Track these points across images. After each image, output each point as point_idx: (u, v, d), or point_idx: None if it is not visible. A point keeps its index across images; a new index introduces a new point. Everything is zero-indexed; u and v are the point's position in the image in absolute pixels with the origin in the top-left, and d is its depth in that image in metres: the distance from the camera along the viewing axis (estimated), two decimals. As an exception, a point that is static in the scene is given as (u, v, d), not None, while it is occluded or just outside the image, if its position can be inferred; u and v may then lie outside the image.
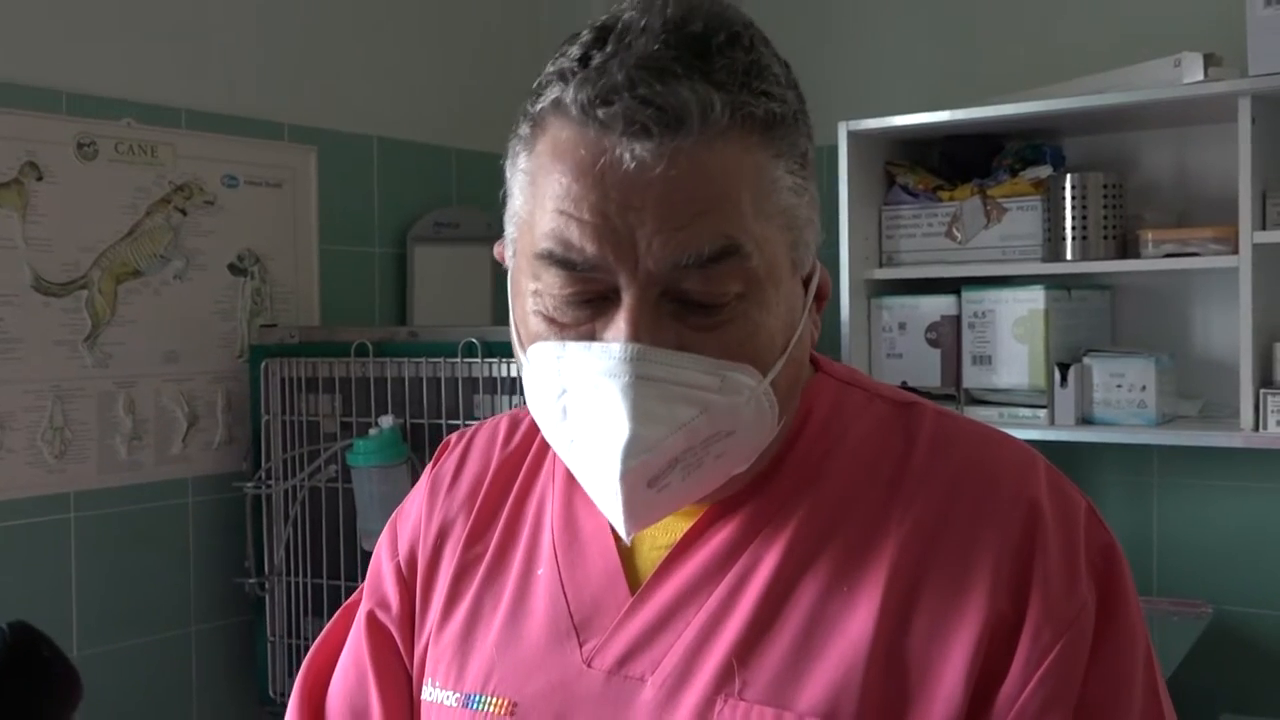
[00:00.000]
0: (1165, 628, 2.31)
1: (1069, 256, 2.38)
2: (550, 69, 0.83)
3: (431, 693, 0.95)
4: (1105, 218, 2.37)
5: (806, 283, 0.88)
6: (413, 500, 1.07)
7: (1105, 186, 2.38)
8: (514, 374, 2.16)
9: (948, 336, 2.50)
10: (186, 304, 2.41)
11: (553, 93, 0.81)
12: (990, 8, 2.70)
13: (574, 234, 0.79)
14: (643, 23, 0.80)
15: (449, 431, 2.21)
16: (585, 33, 0.82)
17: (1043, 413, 2.38)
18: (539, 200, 0.82)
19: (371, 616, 1.03)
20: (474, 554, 0.98)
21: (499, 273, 3.30)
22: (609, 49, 0.80)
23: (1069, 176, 2.39)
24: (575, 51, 0.82)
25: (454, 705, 0.93)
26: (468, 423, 2.20)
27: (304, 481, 2.36)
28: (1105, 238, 2.37)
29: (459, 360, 2.21)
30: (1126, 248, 2.38)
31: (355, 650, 1.04)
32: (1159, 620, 2.37)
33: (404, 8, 2.86)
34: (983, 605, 0.81)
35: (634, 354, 0.79)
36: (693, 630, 0.86)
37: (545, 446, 1.01)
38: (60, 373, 2.23)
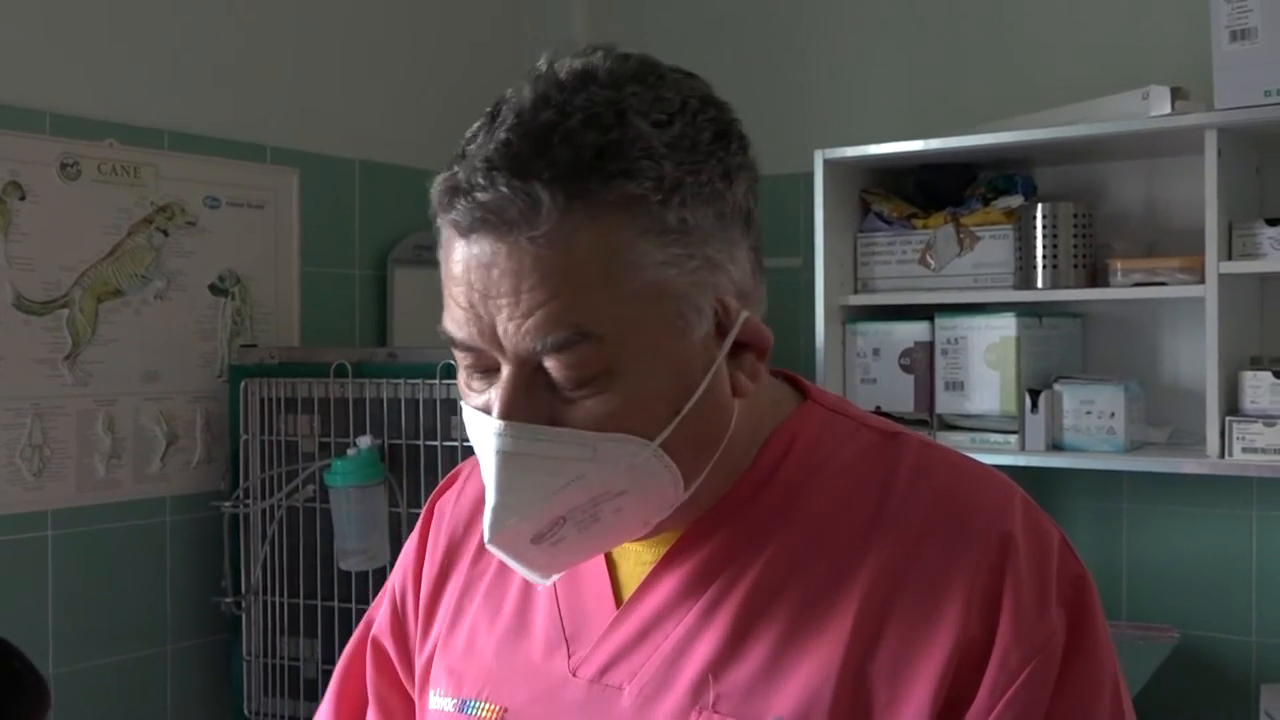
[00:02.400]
0: (1132, 652, 2.34)
1: (1040, 285, 2.41)
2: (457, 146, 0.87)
3: (436, 701, 1.00)
4: (1075, 247, 2.41)
5: (723, 335, 0.88)
6: (414, 531, 1.13)
7: (1075, 216, 2.41)
8: (492, 396, 2.18)
9: (921, 362, 2.53)
10: (167, 324, 2.43)
11: (439, 179, 0.85)
12: (964, 41, 2.75)
13: (456, 318, 0.85)
14: (514, 105, 0.83)
15: (427, 453, 2.24)
16: (489, 108, 0.86)
17: (1014, 438, 2.41)
18: (444, 280, 0.87)
19: (375, 641, 1.12)
20: (478, 571, 1.04)
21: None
22: (479, 139, 0.83)
23: (1040, 206, 2.42)
24: (467, 134, 0.86)
25: (451, 710, 0.98)
26: (445, 444, 2.22)
27: (282, 501, 2.37)
28: (1075, 266, 2.40)
29: (438, 382, 2.22)
30: (1096, 276, 2.42)
31: (361, 671, 1.14)
32: (1126, 644, 2.39)
33: (386, 32, 2.89)
34: (953, 629, 0.83)
35: (502, 429, 0.84)
36: (670, 643, 0.90)
37: None
38: (40, 391, 2.24)
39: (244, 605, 2.41)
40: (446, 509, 1.10)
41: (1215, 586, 2.49)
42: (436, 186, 0.85)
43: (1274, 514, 2.44)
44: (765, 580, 0.89)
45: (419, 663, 1.06)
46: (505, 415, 0.84)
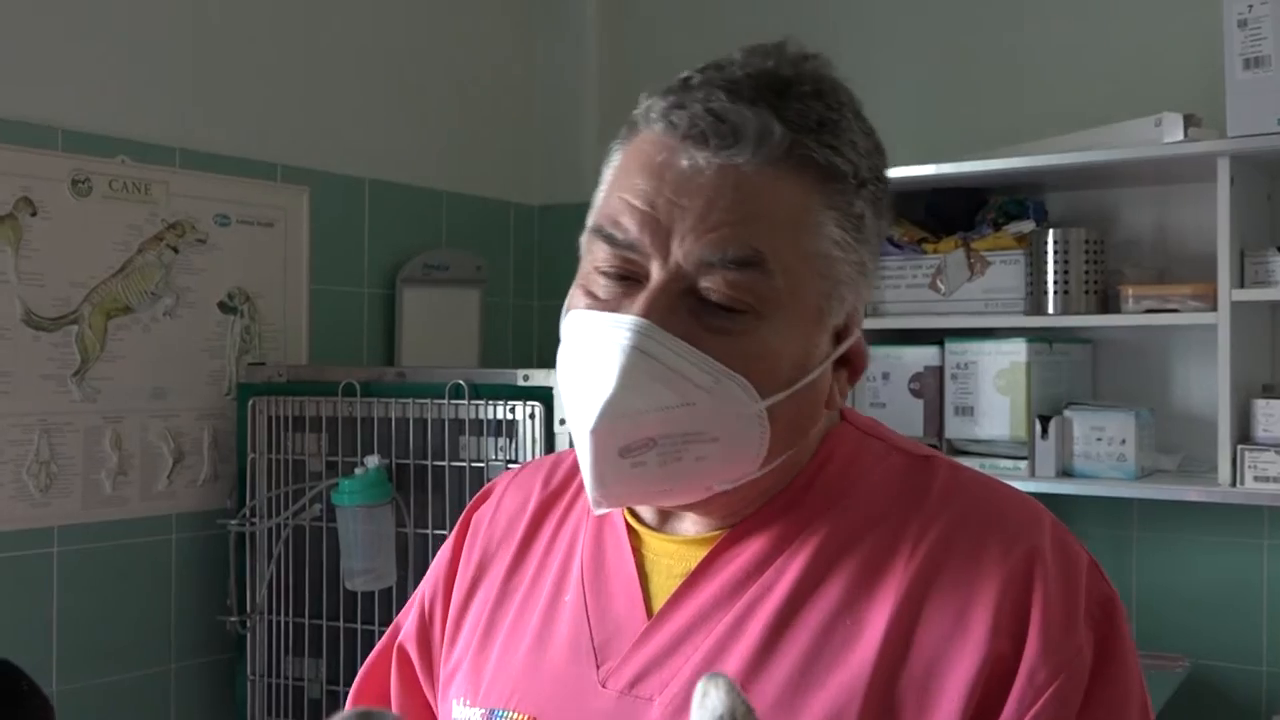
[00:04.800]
0: (1143, 681, 2.32)
1: (1050, 310, 2.40)
2: (657, 87, 0.92)
3: (460, 711, 1.00)
4: (1087, 273, 2.40)
5: (838, 340, 0.92)
6: (448, 541, 1.14)
7: (1087, 242, 2.41)
8: (499, 416, 2.17)
9: (930, 387, 2.52)
10: (176, 341, 2.43)
11: (646, 102, 0.91)
12: (977, 66, 2.75)
13: (623, 215, 0.88)
14: (744, 61, 0.89)
15: (435, 473, 2.24)
16: (696, 68, 0.92)
17: (1023, 464, 2.40)
18: (610, 190, 0.92)
19: (400, 648, 1.12)
20: (511, 585, 1.04)
21: (487, 315, 3.32)
22: (705, 74, 0.89)
23: (1051, 231, 2.42)
24: (681, 75, 0.91)
25: (478, 719, 0.98)
26: (453, 464, 2.22)
27: (288, 520, 2.37)
28: (1086, 292, 2.40)
29: (446, 402, 2.22)
30: (1107, 303, 2.41)
31: (383, 675, 1.14)
32: (1137, 673, 2.38)
33: (398, 51, 2.90)
34: (981, 644, 0.84)
35: (640, 326, 0.85)
36: (701, 654, 0.90)
37: (582, 488, 1.05)
38: (48, 407, 2.24)
39: (249, 624, 2.40)
40: (482, 523, 1.11)
41: (1226, 615, 2.47)
42: (651, 97, 0.90)
43: (1285, 543, 2.43)
44: (795, 594, 0.89)
45: (443, 672, 1.06)
46: (646, 315, 0.85)
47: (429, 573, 1.14)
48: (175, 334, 2.43)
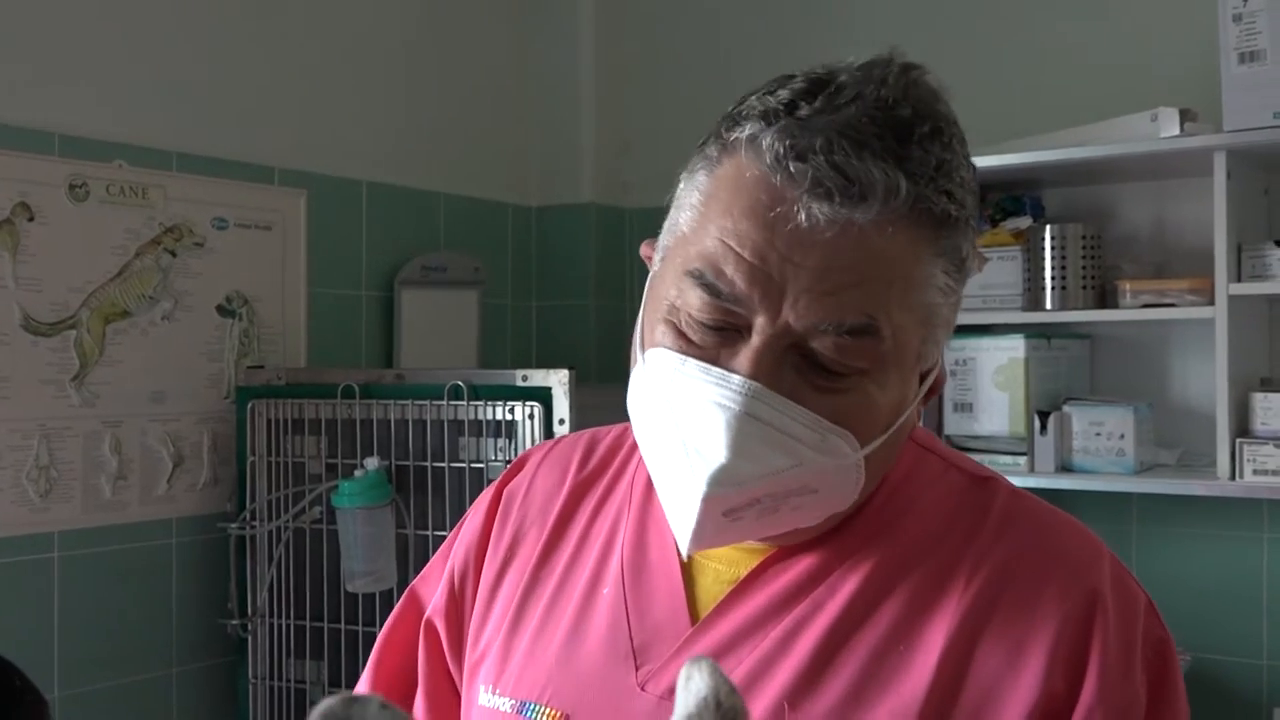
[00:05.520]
0: (1144, 675, 2.32)
1: (1048, 306, 2.41)
2: (754, 103, 0.85)
3: (488, 699, 0.97)
4: (1084, 268, 2.40)
5: (924, 375, 0.90)
6: (477, 511, 1.09)
7: (1084, 237, 2.41)
8: (499, 417, 2.17)
9: (929, 384, 2.52)
10: (174, 345, 2.43)
11: (751, 127, 0.84)
12: (973, 62, 2.75)
13: (730, 266, 0.82)
14: (857, 90, 0.83)
15: (434, 474, 2.24)
16: (798, 80, 0.85)
17: (1023, 460, 2.41)
18: (705, 222, 0.85)
19: (429, 623, 1.07)
20: (544, 572, 1.00)
21: (485, 316, 3.30)
22: (817, 104, 0.82)
23: (1048, 227, 2.42)
24: (784, 95, 0.84)
25: (508, 711, 0.95)
26: (453, 465, 2.22)
27: (289, 523, 2.37)
28: (1084, 288, 2.40)
29: (445, 403, 2.22)
30: (1105, 298, 2.41)
31: (413, 652, 1.08)
32: (1138, 668, 2.38)
33: (394, 54, 2.90)
34: (1036, 681, 0.83)
35: (749, 389, 0.82)
36: (746, 667, 0.88)
37: (621, 472, 1.03)
38: (47, 412, 2.24)
39: (250, 628, 2.40)
40: (515, 497, 1.06)
41: (1226, 609, 2.47)
42: (769, 135, 0.82)
43: (1285, 536, 2.43)
44: (850, 611, 0.88)
45: (472, 653, 1.02)
46: (755, 376, 0.82)
47: (458, 545, 1.08)
48: (174, 338, 2.43)
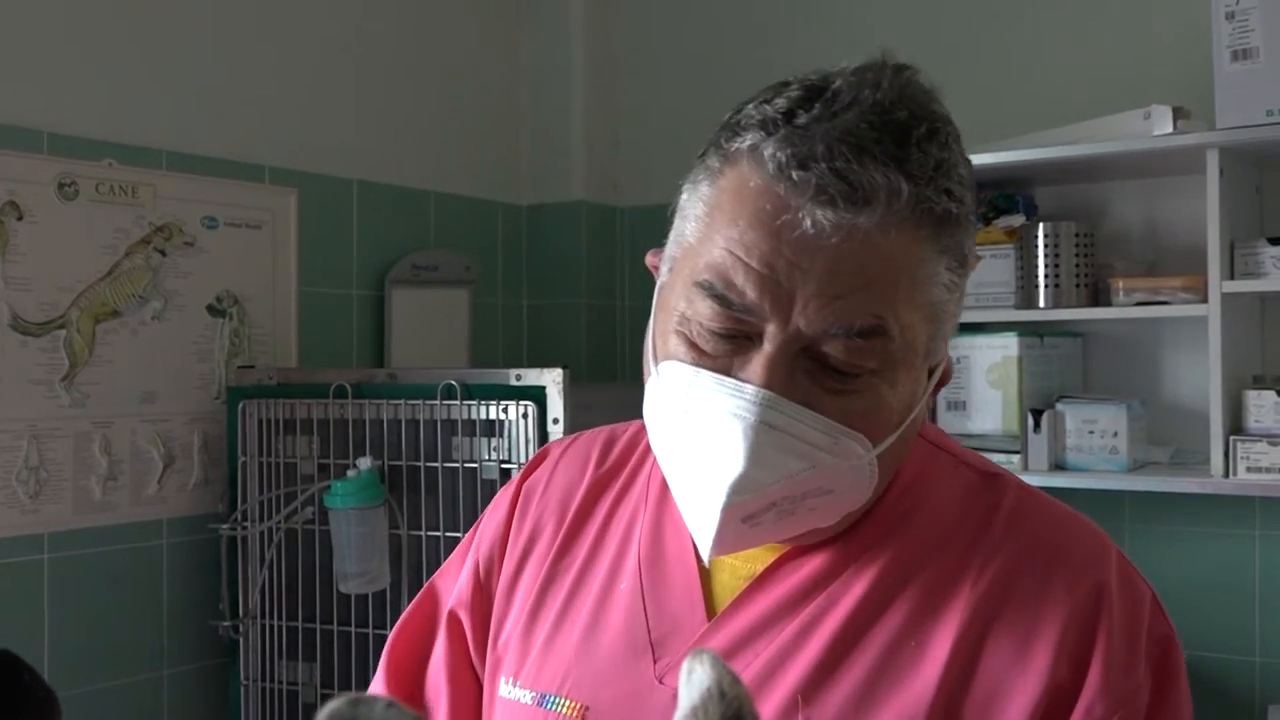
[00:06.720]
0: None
1: (1041, 304, 2.41)
2: (751, 112, 0.86)
3: (508, 690, 0.98)
4: (1077, 266, 2.41)
5: (932, 370, 0.91)
6: (500, 505, 1.10)
7: (1077, 235, 2.41)
8: (492, 416, 2.16)
9: (922, 382, 2.52)
10: (164, 345, 2.41)
11: (751, 138, 0.85)
12: (965, 60, 2.75)
13: (738, 276, 0.84)
14: (853, 95, 0.84)
15: (427, 474, 2.23)
16: (794, 88, 0.86)
17: (1016, 458, 2.41)
18: (711, 233, 0.86)
19: (453, 614, 1.07)
20: (562, 565, 1.02)
21: (476, 315, 3.30)
22: (815, 112, 0.83)
23: (1041, 225, 2.42)
24: (781, 104, 0.85)
25: (529, 703, 0.96)
26: (446, 465, 2.21)
27: (280, 523, 2.36)
28: (1077, 286, 2.40)
29: (438, 402, 2.21)
30: (1098, 296, 2.42)
31: (424, 643, 1.09)
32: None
33: (384, 52, 2.89)
34: (1043, 673, 0.84)
35: (764, 399, 0.83)
36: (761, 661, 0.89)
37: (639, 469, 1.04)
38: (36, 412, 2.22)
39: (242, 629, 2.39)
40: (535, 491, 1.08)
41: (1218, 607, 2.48)
42: (770, 144, 0.83)
43: (1278, 534, 2.43)
44: (863, 607, 0.89)
45: (494, 645, 1.03)
46: (768, 385, 0.83)
47: (480, 537, 1.10)
48: (164, 337, 2.41)
